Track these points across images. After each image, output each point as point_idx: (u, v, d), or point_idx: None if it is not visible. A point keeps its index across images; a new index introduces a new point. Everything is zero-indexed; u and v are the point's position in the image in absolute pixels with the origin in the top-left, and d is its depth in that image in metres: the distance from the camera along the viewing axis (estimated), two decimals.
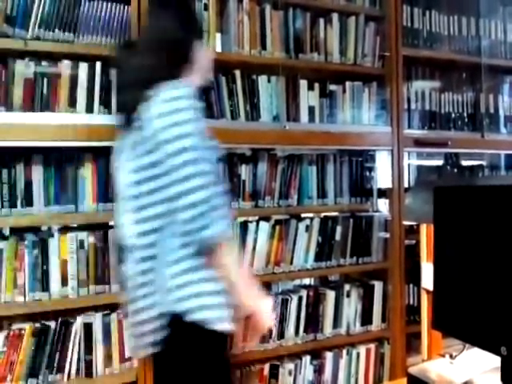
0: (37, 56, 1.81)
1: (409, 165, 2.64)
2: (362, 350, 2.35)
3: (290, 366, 2.20)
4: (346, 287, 2.35)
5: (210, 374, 1.24)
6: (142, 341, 1.28)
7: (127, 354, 1.91)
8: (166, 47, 1.32)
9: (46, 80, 1.82)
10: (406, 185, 2.49)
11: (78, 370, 1.84)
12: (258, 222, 2.19)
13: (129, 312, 1.33)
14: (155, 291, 1.23)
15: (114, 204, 1.90)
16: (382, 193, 2.47)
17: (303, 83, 2.29)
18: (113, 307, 1.90)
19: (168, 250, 1.22)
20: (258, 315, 1.24)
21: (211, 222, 1.15)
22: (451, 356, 0.93)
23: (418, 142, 2.45)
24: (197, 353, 1.21)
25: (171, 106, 1.18)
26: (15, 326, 1.77)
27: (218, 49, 2.12)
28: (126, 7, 1.89)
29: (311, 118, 2.30)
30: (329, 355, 2.28)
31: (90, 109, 1.86)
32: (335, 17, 2.34)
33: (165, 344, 1.23)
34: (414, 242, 2.38)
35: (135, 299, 1.28)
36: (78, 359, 1.84)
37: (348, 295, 2.34)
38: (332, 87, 2.37)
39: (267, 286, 2.27)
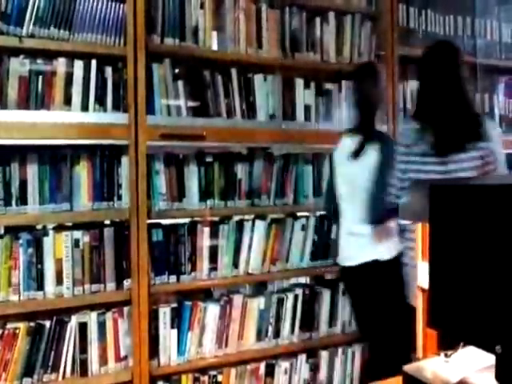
0: (32, 53, 1.80)
1: None
2: (358, 348, 2.35)
3: (286, 364, 2.20)
4: (342, 286, 2.35)
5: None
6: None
7: (123, 353, 1.91)
8: None
9: (40, 78, 1.81)
10: None
11: (73, 369, 1.83)
12: (253, 220, 2.19)
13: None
14: None
15: (110, 203, 1.90)
16: None
17: (299, 82, 2.29)
18: (108, 306, 1.90)
19: None
20: None
21: None
22: (446, 355, 0.94)
23: None
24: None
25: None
26: (10, 325, 1.77)
27: (214, 47, 2.12)
28: (121, 5, 1.88)
29: (307, 117, 2.30)
30: (324, 354, 2.29)
31: (85, 107, 1.86)
32: (331, 16, 2.35)
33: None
34: None
35: None
36: (73, 358, 1.83)
37: (343, 294, 2.33)
38: (328, 86, 2.37)
39: (263, 284, 2.27)
